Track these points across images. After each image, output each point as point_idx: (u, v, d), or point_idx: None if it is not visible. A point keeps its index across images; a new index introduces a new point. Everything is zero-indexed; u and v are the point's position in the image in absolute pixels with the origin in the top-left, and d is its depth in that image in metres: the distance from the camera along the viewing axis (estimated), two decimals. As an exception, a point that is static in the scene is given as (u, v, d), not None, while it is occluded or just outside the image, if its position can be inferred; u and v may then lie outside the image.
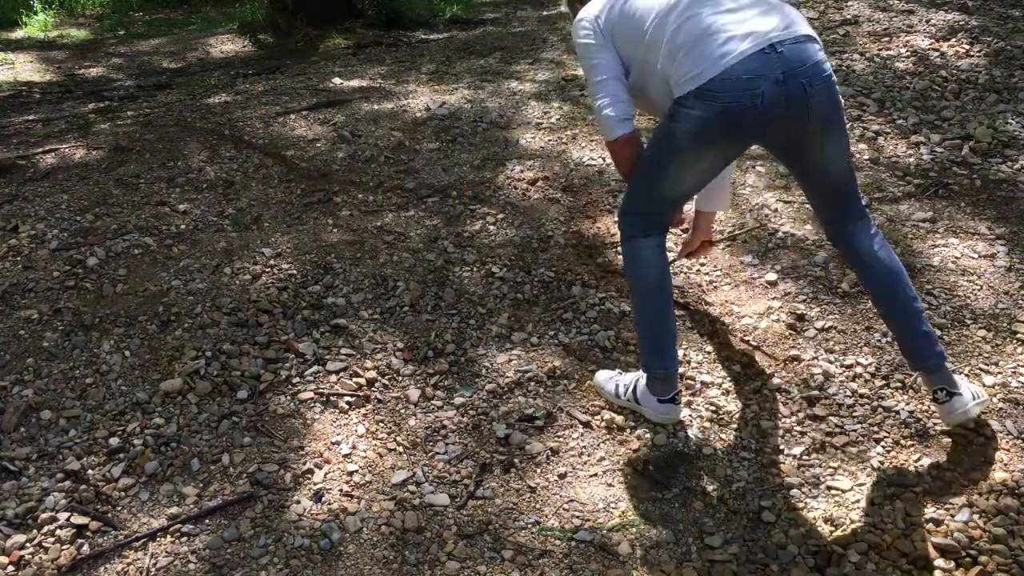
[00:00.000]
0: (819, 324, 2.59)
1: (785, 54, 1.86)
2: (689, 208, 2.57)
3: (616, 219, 2.18)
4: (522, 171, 3.58)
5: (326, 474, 2.08)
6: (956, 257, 2.83)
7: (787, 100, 1.87)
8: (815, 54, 1.90)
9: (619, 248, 3.03)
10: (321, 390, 2.35)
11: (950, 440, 2.16)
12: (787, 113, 1.89)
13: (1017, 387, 2.29)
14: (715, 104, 1.87)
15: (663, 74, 1.98)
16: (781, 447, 2.18)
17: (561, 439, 2.22)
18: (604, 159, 3.68)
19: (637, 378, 2.25)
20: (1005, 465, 2.05)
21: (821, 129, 1.97)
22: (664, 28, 1.96)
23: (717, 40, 1.88)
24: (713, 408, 2.31)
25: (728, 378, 2.42)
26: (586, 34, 2.11)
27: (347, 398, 2.33)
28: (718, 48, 1.87)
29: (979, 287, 2.69)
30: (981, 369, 2.36)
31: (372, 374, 2.42)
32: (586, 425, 2.26)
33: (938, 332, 2.52)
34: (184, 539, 1.90)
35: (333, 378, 2.40)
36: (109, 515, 1.97)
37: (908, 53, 4.32)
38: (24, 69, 6.60)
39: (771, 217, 3.15)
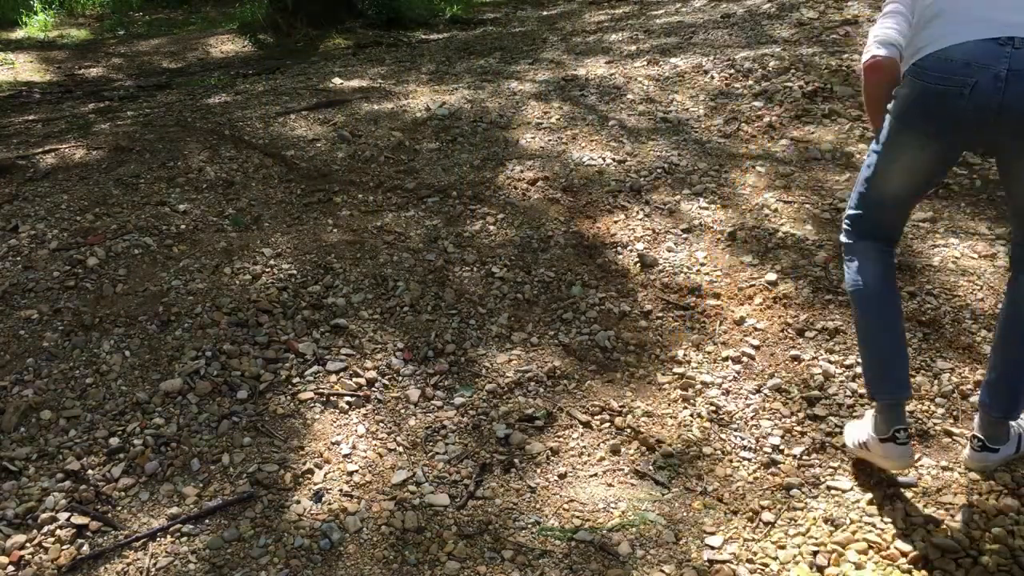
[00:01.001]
0: (819, 324, 2.59)
1: (1022, 51, 1.62)
2: None
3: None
4: (522, 171, 3.58)
5: (326, 474, 2.08)
6: (956, 257, 2.83)
7: (1002, 102, 1.63)
8: None
9: (626, 249, 3.03)
10: (321, 390, 2.35)
11: (950, 440, 2.16)
12: (999, 117, 1.66)
13: (1017, 387, 2.29)
14: (919, 83, 1.69)
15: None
16: (781, 447, 2.18)
17: (561, 439, 2.22)
18: (604, 159, 3.68)
19: (863, 424, 2.04)
20: (1005, 465, 2.05)
21: None
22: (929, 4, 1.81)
23: (954, 16, 1.70)
24: (713, 408, 2.31)
25: (728, 378, 2.42)
26: None
27: (347, 398, 2.33)
28: (949, 25, 1.69)
29: (979, 287, 2.69)
30: (981, 368, 2.36)
31: (372, 374, 2.42)
32: (586, 425, 2.26)
33: (938, 333, 2.52)
34: (184, 539, 1.90)
35: (333, 378, 2.40)
36: (109, 515, 1.97)
37: (908, 53, 4.31)
38: (24, 69, 6.60)
39: (771, 217, 3.15)
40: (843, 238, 2.01)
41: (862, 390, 2.33)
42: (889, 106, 1.81)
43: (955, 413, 2.24)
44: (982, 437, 1.98)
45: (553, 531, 1.93)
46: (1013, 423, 2.00)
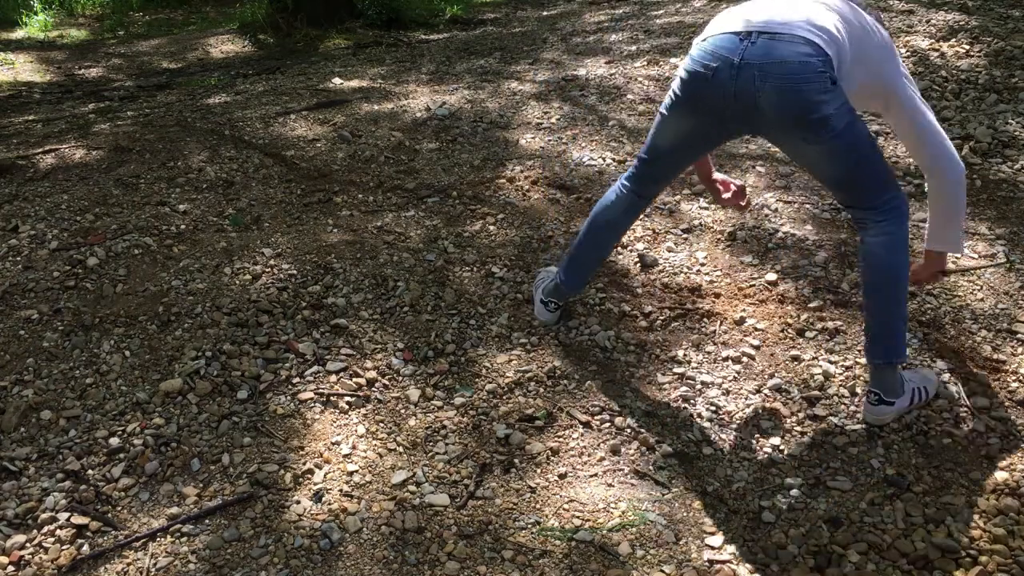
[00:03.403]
0: (819, 324, 2.59)
1: (756, 44, 1.89)
2: None
3: None
4: (522, 171, 3.58)
5: (326, 474, 2.08)
6: (956, 257, 2.83)
7: (736, 87, 1.90)
8: (788, 54, 1.86)
9: (626, 249, 3.03)
10: (321, 390, 2.35)
11: (950, 440, 2.16)
12: (735, 101, 1.93)
13: (1017, 387, 2.29)
14: (687, 65, 2.03)
15: None
16: (781, 447, 2.18)
17: (561, 439, 2.22)
18: (604, 159, 3.68)
19: (549, 278, 2.61)
20: (1005, 465, 2.06)
21: (783, 131, 1.98)
22: None
23: (723, 18, 2.03)
24: (713, 408, 2.31)
25: (728, 378, 2.42)
26: None
27: (347, 398, 2.33)
28: (717, 24, 2.03)
29: (979, 287, 2.69)
30: (981, 368, 2.36)
31: (372, 374, 2.42)
32: (586, 425, 2.26)
33: (938, 333, 2.52)
34: (184, 539, 1.90)
35: (333, 378, 2.40)
36: (109, 515, 1.97)
37: (908, 53, 4.32)
38: (24, 69, 6.60)
39: (771, 217, 3.15)
40: (626, 171, 2.39)
41: (862, 390, 2.33)
42: None
43: (955, 414, 2.24)
44: (878, 391, 2.14)
45: (553, 531, 1.93)
46: (906, 376, 2.20)
